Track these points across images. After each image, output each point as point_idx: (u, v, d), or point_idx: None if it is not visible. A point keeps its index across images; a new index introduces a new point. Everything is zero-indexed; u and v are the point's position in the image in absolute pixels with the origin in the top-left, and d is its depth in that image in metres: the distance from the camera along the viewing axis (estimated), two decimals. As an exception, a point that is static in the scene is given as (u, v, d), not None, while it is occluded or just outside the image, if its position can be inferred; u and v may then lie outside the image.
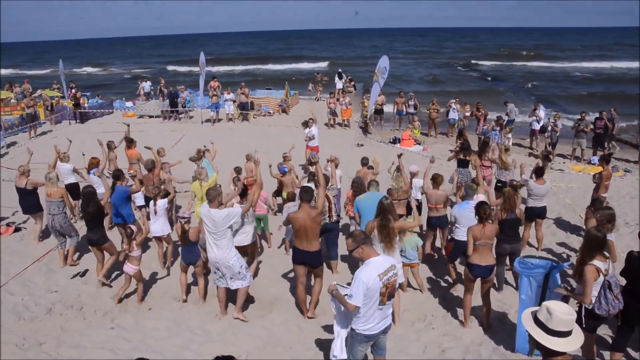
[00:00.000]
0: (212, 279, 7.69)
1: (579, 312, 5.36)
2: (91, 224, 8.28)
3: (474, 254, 6.76)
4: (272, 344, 6.74)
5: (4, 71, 61.19)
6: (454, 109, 20.60)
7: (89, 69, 65.20)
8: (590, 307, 5.35)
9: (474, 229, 6.75)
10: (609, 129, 17.33)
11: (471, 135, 19.06)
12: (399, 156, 9.74)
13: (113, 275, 8.77)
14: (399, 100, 22.30)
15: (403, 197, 9.13)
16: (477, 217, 6.84)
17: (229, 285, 7.20)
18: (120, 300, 7.90)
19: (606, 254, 5.50)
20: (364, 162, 10.70)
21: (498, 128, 17.17)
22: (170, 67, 63.36)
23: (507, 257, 7.98)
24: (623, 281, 5.74)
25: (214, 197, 6.92)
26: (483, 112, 18.96)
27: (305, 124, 15.42)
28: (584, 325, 5.23)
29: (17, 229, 10.81)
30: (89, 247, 8.67)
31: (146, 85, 28.12)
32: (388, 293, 4.83)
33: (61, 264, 9.18)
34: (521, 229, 8.65)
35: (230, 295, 7.45)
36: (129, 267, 7.83)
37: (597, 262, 5.29)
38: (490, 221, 6.87)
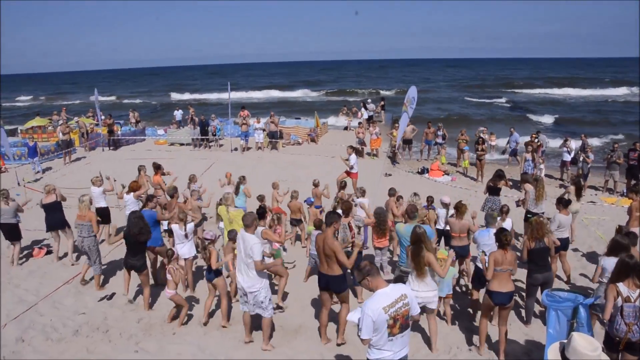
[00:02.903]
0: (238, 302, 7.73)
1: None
2: (137, 249, 8.44)
3: (494, 280, 6.70)
4: (294, 372, 6.71)
5: (35, 101, 64.15)
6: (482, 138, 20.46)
7: (121, 98, 66.79)
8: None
9: (496, 254, 6.71)
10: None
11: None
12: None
13: (134, 293, 8.88)
14: (427, 131, 22.30)
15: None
16: (497, 243, 6.83)
17: (250, 311, 7.22)
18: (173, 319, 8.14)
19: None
20: (391, 192, 10.76)
21: (530, 158, 17.00)
22: (200, 96, 64.56)
23: (539, 288, 7.78)
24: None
25: (250, 221, 7.01)
26: (540, 142, 18.66)
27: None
28: (603, 341, 5.62)
29: (48, 252, 11.07)
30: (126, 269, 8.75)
31: (177, 114, 28.73)
32: (400, 324, 4.78)
33: (81, 280, 9.46)
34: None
35: (256, 322, 7.46)
36: (166, 292, 8.02)
37: (621, 286, 5.50)
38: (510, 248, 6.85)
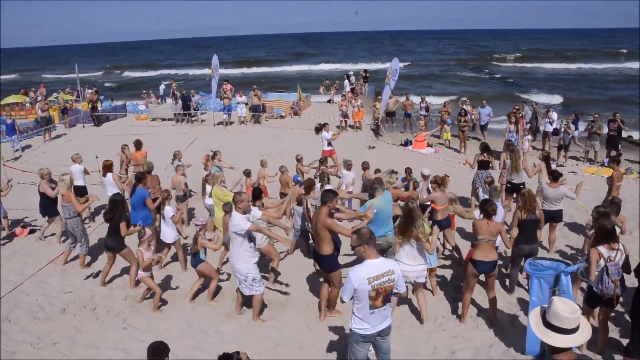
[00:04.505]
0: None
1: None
2: (110, 230, 8.35)
3: (477, 250, 6.86)
4: (283, 345, 6.79)
5: (15, 75, 62.37)
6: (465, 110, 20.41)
7: (102, 73, 65.66)
8: (592, 285, 6.06)
9: (477, 223, 6.88)
10: (623, 130, 17.18)
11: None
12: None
13: (119, 273, 8.86)
14: (406, 103, 22.26)
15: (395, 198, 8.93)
16: (482, 213, 6.96)
17: (242, 291, 7.28)
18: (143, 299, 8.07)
19: (617, 245, 6.05)
20: (365, 166, 10.59)
21: (514, 129, 17.05)
22: (183, 71, 63.68)
23: (523, 259, 7.88)
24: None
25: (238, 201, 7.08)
26: (522, 114, 18.77)
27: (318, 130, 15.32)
28: (584, 299, 6.43)
29: (32, 231, 10.96)
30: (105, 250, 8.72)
31: (160, 88, 28.30)
32: (382, 298, 4.87)
33: (62, 264, 9.30)
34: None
35: (247, 296, 7.51)
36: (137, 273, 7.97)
37: (601, 248, 6.02)
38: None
